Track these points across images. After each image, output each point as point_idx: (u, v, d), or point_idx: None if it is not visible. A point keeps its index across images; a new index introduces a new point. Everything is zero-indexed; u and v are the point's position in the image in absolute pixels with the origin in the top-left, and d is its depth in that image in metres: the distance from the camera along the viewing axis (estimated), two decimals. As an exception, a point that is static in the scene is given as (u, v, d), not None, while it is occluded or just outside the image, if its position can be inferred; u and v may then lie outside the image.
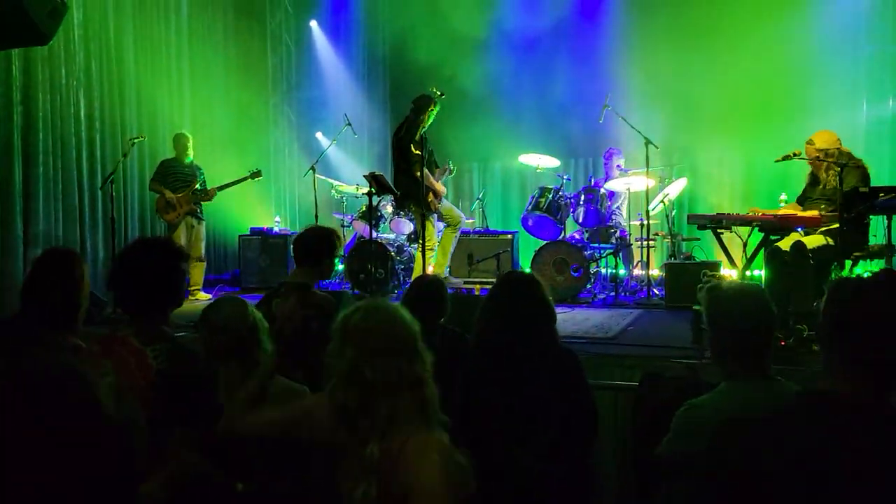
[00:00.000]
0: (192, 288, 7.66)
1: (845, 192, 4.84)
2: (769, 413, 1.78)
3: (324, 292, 3.62)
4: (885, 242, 4.89)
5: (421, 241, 6.75)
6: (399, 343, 1.91)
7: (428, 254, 6.83)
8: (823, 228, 5.10)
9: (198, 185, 7.69)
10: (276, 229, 8.94)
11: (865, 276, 1.84)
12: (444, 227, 7.13)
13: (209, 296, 7.68)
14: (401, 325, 1.93)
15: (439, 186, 6.93)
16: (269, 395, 2.55)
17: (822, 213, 5.16)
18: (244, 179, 7.84)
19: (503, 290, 2.95)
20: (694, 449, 2.21)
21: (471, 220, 8.73)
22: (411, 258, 7.58)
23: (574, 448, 2.62)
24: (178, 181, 7.66)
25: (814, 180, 5.52)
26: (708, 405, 2.29)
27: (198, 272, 7.74)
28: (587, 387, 2.79)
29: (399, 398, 1.86)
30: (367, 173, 6.84)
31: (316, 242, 3.66)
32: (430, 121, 6.86)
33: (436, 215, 6.93)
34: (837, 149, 5.28)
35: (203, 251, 7.83)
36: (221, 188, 7.79)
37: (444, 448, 1.86)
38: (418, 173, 6.48)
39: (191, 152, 7.79)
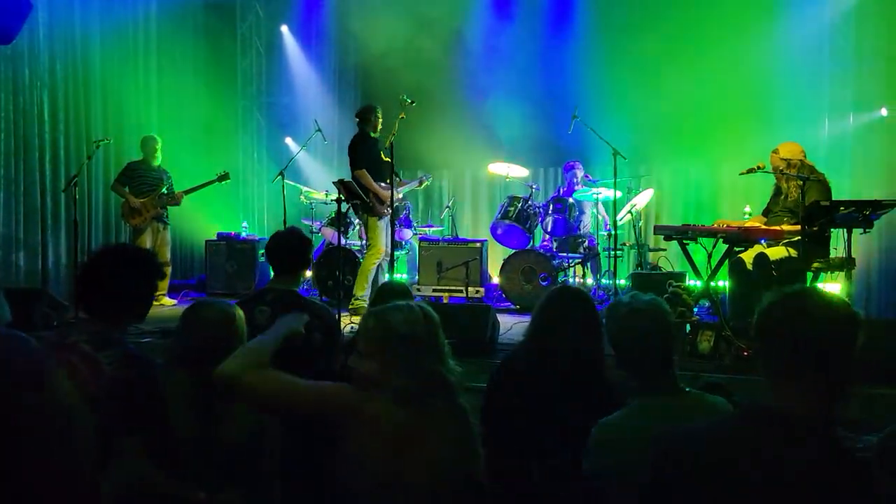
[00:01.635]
0: (158, 293, 7.55)
1: (807, 206, 4.94)
2: (707, 428, 1.75)
3: (315, 300, 3.54)
4: (845, 255, 5.00)
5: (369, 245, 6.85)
6: (433, 336, 2.16)
7: (374, 259, 6.80)
8: (786, 240, 5.20)
9: (164, 190, 7.59)
10: (243, 235, 8.86)
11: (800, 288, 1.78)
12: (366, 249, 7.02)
13: (174, 301, 7.59)
14: (421, 316, 2.16)
15: (384, 194, 6.84)
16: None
17: (785, 225, 5.26)
18: (212, 182, 7.76)
19: (556, 305, 2.87)
20: (604, 467, 2.27)
21: (439, 228, 8.75)
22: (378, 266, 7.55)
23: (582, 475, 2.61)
24: (144, 185, 7.55)
25: (777, 192, 5.64)
26: (618, 423, 2.31)
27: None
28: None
29: (438, 391, 2.10)
30: (336, 180, 6.83)
31: (302, 249, 3.53)
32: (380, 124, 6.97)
33: (383, 220, 6.87)
34: (801, 160, 5.40)
35: (168, 256, 7.74)
36: (188, 192, 7.69)
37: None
38: (364, 179, 6.63)
39: (159, 156, 7.67)
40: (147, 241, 7.47)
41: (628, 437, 2.23)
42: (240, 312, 2.70)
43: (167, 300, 7.53)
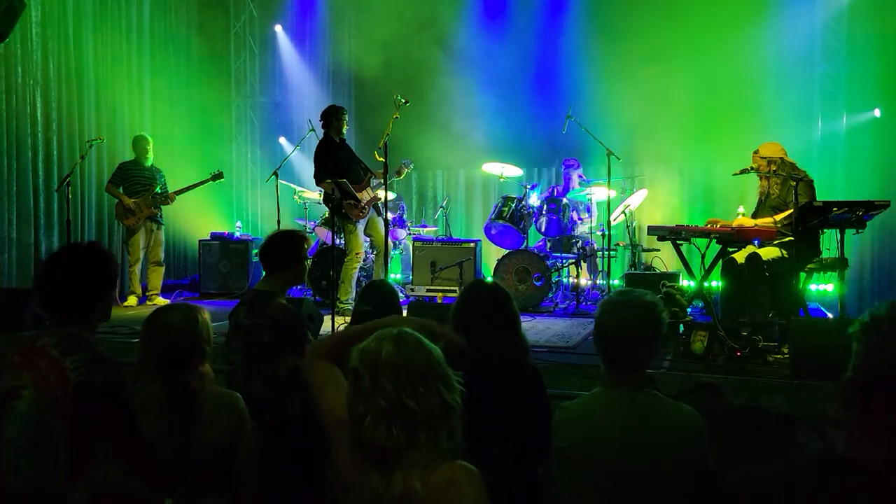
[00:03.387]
0: (151, 293, 7.56)
1: (800, 206, 4.95)
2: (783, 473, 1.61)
3: (284, 301, 3.52)
4: (837, 255, 5.02)
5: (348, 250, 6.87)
6: (435, 368, 1.85)
7: (355, 263, 6.82)
8: (777, 241, 5.22)
9: (157, 189, 7.57)
10: (237, 234, 8.84)
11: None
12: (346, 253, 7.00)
13: (168, 301, 7.57)
14: (429, 350, 1.87)
15: (363, 194, 6.84)
16: (203, 402, 2.53)
17: (776, 222, 5.28)
18: (205, 182, 7.73)
19: (469, 301, 2.90)
20: (555, 447, 2.37)
21: (433, 228, 8.75)
22: (373, 265, 7.56)
23: (528, 467, 2.61)
24: (137, 185, 7.51)
25: (762, 192, 5.69)
26: (572, 407, 2.42)
27: (156, 277, 7.62)
28: (547, 406, 2.79)
29: (441, 426, 1.82)
30: (329, 180, 6.82)
31: (278, 248, 3.54)
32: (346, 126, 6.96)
33: (359, 224, 6.87)
34: (781, 158, 5.42)
35: (162, 256, 7.70)
36: (181, 191, 7.66)
37: (477, 474, 1.84)
38: (328, 189, 6.59)
39: (151, 155, 7.63)
40: (140, 241, 7.45)
41: (585, 422, 2.32)
42: (204, 315, 2.65)
43: (161, 300, 7.52)
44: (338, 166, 6.75)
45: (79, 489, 2.13)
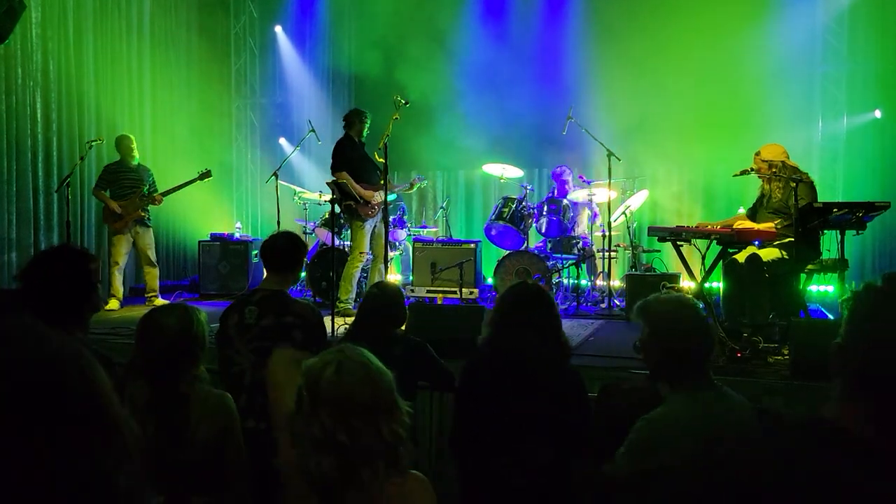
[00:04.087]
0: (149, 294, 7.52)
1: (801, 208, 4.94)
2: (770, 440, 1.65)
3: (302, 300, 3.53)
4: (838, 257, 5.01)
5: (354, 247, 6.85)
6: (378, 399, 1.73)
7: (357, 262, 6.82)
8: (777, 242, 5.21)
9: (146, 189, 7.40)
10: (236, 235, 8.83)
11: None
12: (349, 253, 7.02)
13: (167, 302, 7.55)
14: (377, 377, 1.76)
15: (367, 194, 6.85)
16: (194, 402, 2.52)
17: (777, 226, 5.27)
18: (193, 181, 7.53)
19: (514, 302, 2.89)
20: (653, 464, 2.23)
21: (433, 229, 8.74)
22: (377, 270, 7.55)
23: (563, 469, 2.60)
24: (123, 187, 7.34)
25: (763, 194, 5.67)
26: (664, 419, 2.29)
27: (152, 278, 7.53)
28: (588, 406, 2.77)
29: (380, 460, 1.71)
30: (329, 180, 6.81)
31: (291, 249, 3.55)
32: (367, 130, 6.98)
33: (368, 223, 6.88)
34: (782, 161, 5.41)
35: (154, 256, 7.58)
36: (169, 192, 7.49)
37: (427, 483, 1.80)
38: (342, 179, 6.61)
39: (136, 154, 7.46)
40: (123, 246, 7.31)
41: (678, 432, 2.23)
42: (200, 316, 2.63)
43: (159, 300, 7.49)
44: (352, 164, 6.79)
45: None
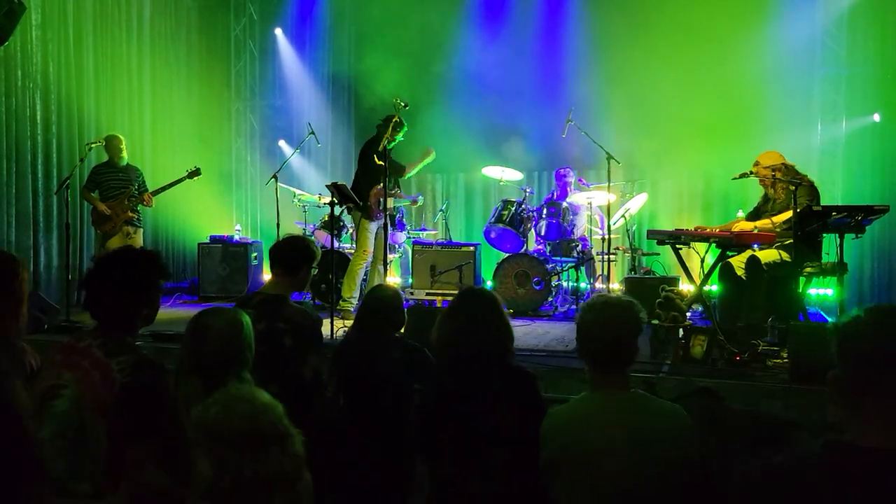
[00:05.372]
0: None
1: (800, 211, 4.95)
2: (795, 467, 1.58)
3: (298, 305, 3.52)
4: (837, 260, 5.01)
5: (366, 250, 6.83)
6: (268, 429, 1.79)
7: (361, 261, 6.83)
8: (777, 244, 5.21)
9: (135, 189, 7.27)
10: (236, 237, 8.83)
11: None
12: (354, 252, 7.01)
13: (166, 304, 7.55)
14: (263, 410, 1.81)
15: (388, 200, 6.84)
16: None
17: (777, 228, 5.27)
18: (182, 180, 7.37)
19: (461, 307, 2.91)
20: (552, 453, 2.36)
21: (433, 232, 8.74)
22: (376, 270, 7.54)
23: (525, 470, 2.59)
24: (112, 188, 7.21)
25: (766, 199, 5.67)
26: (560, 414, 2.42)
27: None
28: (541, 408, 2.79)
29: (287, 486, 1.78)
30: (329, 183, 6.81)
31: (293, 252, 3.56)
32: (400, 137, 6.85)
33: (374, 224, 6.88)
34: (783, 164, 5.43)
35: None
36: (158, 191, 7.34)
37: None
38: (379, 185, 6.50)
39: (125, 154, 7.31)
40: (116, 246, 7.27)
41: (577, 427, 2.33)
42: (246, 319, 2.66)
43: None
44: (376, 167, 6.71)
45: (119, 491, 2.11)
